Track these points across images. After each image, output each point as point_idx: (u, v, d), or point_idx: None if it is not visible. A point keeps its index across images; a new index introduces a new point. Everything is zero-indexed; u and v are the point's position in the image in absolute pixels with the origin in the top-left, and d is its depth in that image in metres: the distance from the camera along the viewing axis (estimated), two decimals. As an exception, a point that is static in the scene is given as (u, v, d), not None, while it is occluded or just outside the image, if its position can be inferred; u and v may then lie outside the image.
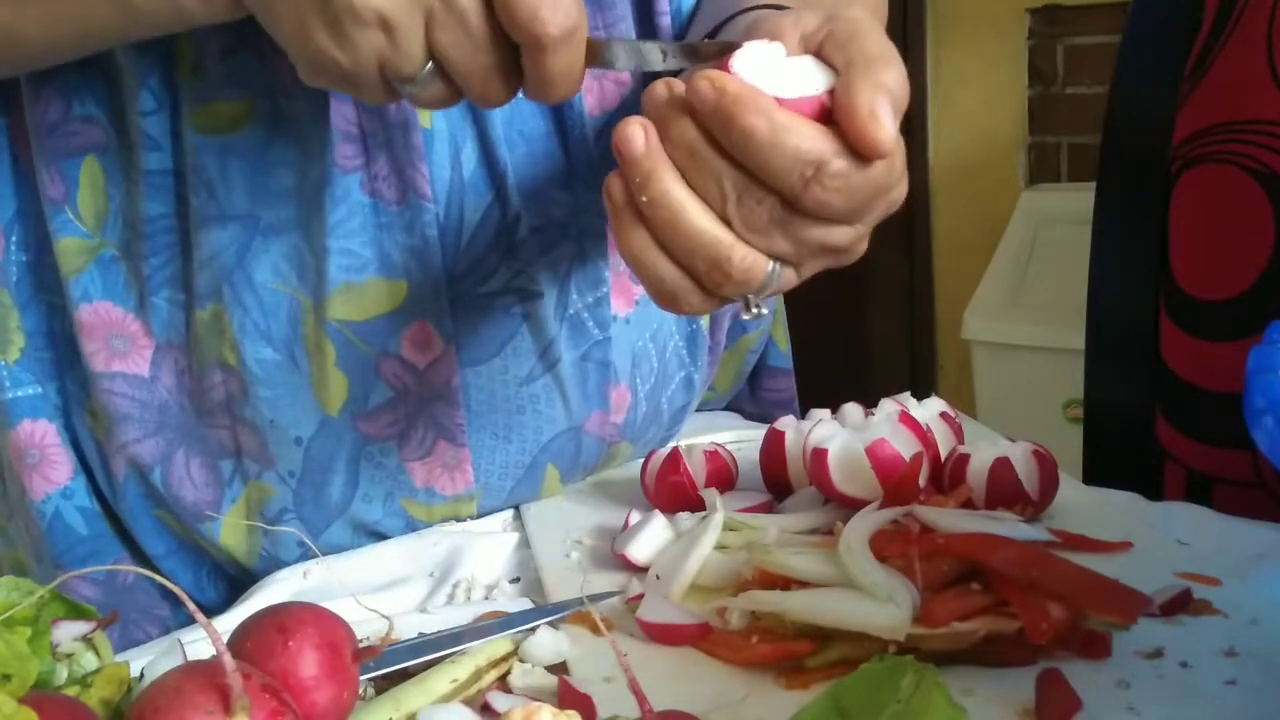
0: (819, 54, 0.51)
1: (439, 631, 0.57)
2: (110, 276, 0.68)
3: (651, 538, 0.63)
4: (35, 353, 0.71)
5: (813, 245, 0.50)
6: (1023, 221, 2.37)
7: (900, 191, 0.52)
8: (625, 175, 0.50)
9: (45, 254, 0.69)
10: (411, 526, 0.72)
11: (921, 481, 0.63)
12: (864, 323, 2.88)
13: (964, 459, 0.65)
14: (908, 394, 0.74)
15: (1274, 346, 0.51)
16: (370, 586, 0.65)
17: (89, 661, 0.47)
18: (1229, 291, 0.86)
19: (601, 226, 0.71)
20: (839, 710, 0.41)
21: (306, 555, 0.70)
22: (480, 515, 0.73)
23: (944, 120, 2.73)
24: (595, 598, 0.59)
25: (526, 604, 0.61)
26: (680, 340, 0.78)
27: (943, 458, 0.67)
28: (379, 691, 0.51)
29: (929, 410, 0.71)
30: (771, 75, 0.49)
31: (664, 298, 0.52)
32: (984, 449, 0.65)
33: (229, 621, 0.54)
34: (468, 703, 0.50)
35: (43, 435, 0.71)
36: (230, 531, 0.70)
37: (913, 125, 2.72)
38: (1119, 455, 0.96)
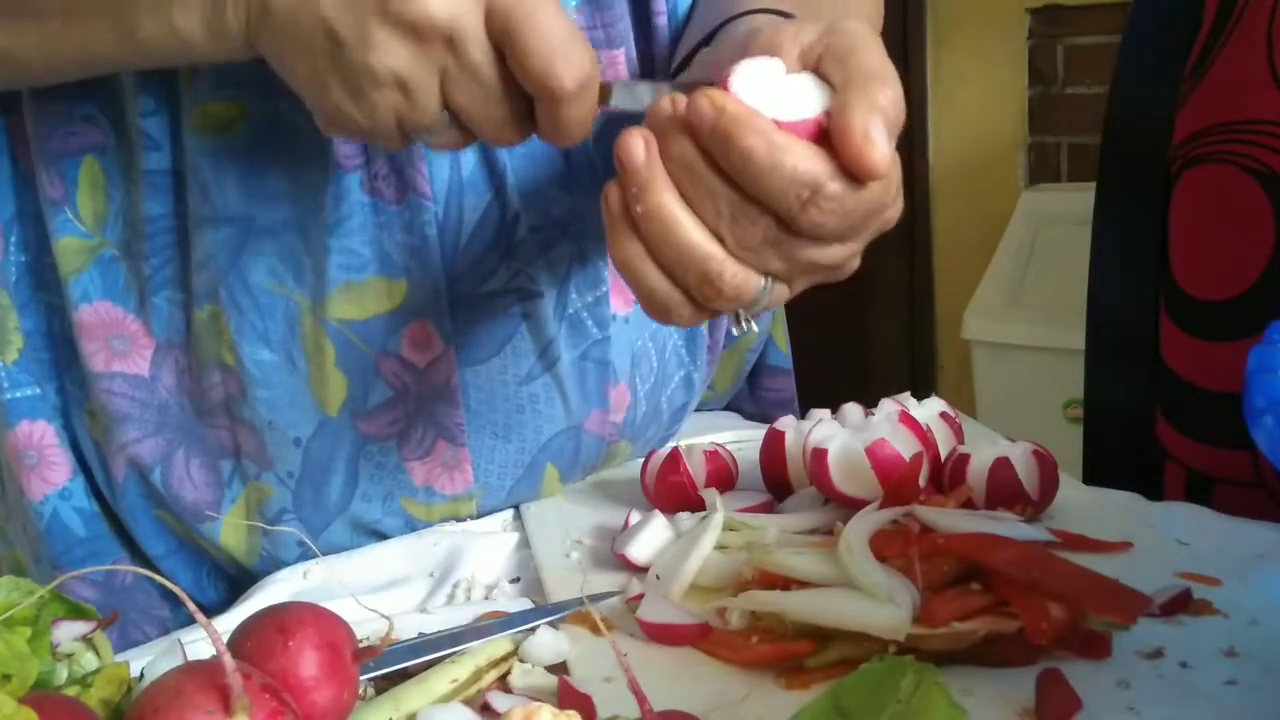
0: (817, 69, 0.51)
1: (439, 631, 0.57)
2: (110, 277, 0.68)
3: (651, 538, 0.63)
4: (34, 353, 0.71)
5: (805, 263, 0.51)
6: (1023, 221, 2.37)
7: (895, 210, 0.52)
8: (622, 184, 0.50)
9: (44, 254, 0.69)
10: (411, 526, 0.72)
11: (921, 481, 0.63)
12: (864, 322, 2.88)
13: (964, 459, 0.65)
14: (908, 394, 0.74)
15: (1274, 346, 0.51)
16: (370, 586, 0.65)
17: (89, 661, 0.47)
18: (1229, 291, 0.86)
19: (600, 227, 0.71)
20: (839, 710, 0.41)
21: (306, 555, 0.70)
22: (480, 515, 0.73)
23: (944, 120, 2.73)
24: (595, 598, 0.59)
25: (526, 604, 0.61)
26: (679, 339, 0.79)
27: (943, 458, 0.67)
28: (379, 691, 0.51)
29: (929, 410, 0.71)
30: (770, 94, 0.49)
31: (654, 308, 0.52)
32: (984, 449, 0.66)
33: (229, 621, 0.54)
34: (468, 703, 0.50)
35: (41, 436, 0.71)
36: (230, 531, 0.70)
37: (913, 125, 2.71)
38: (1119, 455, 0.96)
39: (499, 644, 0.55)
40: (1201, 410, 0.88)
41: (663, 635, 0.56)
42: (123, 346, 0.68)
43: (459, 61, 0.51)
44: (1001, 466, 0.64)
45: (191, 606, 0.41)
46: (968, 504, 0.63)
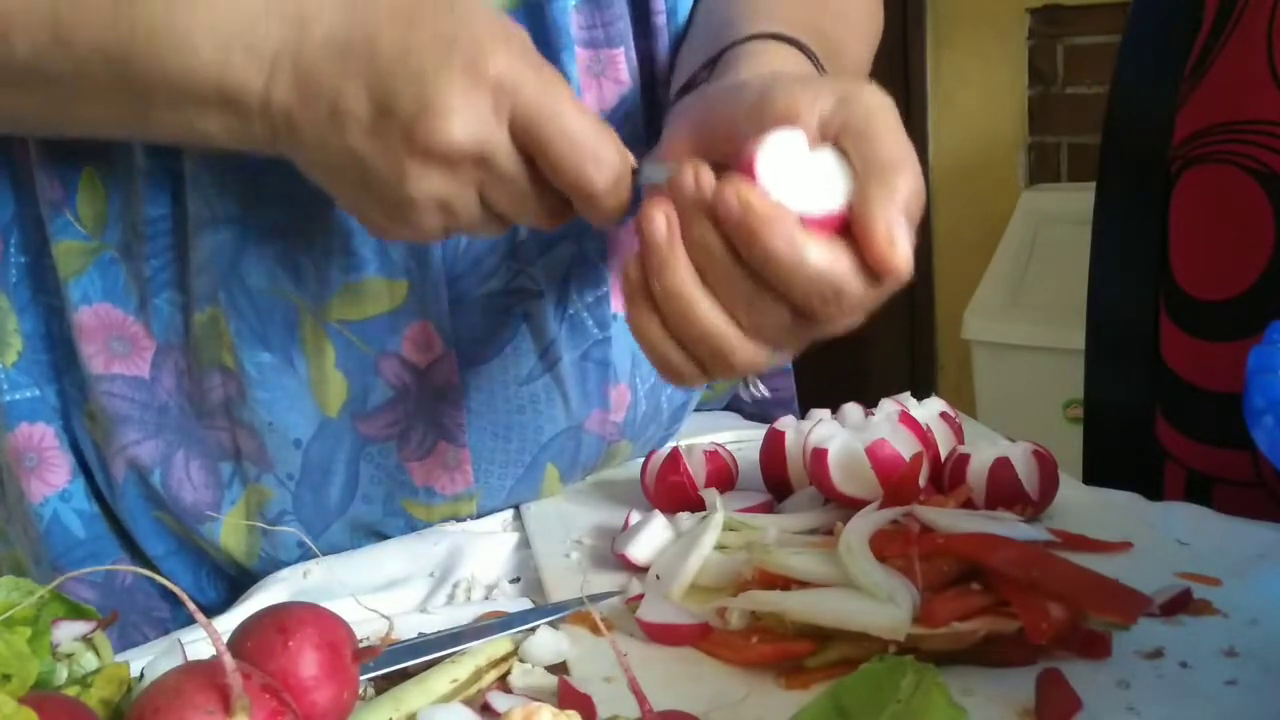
0: (837, 142, 0.51)
1: (439, 631, 0.57)
2: (110, 278, 0.68)
3: (651, 538, 0.63)
4: (33, 355, 0.71)
5: (814, 339, 0.53)
6: (1023, 221, 2.37)
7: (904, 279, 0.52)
8: (643, 256, 0.51)
9: (44, 256, 0.69)
10: (411, 526, 0.72)
11: (921, 481, 0.63)
12: (864, 322, 2.87)
13: (964, 459, 0.65)
14: (908, 394, 0.74)
15: (1274, 346, 0.51)
16: (370, 586, 0.65)
17: (89, 661, 0.47)
18: (1229, 291, 0.86)
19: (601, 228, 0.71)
20: (839, 710, 0.41)
21: (306, 556, 0.70)
22: (480, 514, 0.73)
23: (944, 120, 2.73)
24: (595, 598, 0.59)
25: (526, 604, 0.61)
26: (680, 340, 0.78)
27: (943, 458, 0.67)
28: (379, 691, 0.52)
29: (929, 410, 0.71)
30: (794, 175, 0.49)
31: (668, 374, 0.54)
32: (984, 449, 0.66)
33: (229, 621, 0.54)
34: (468, 703, 0.50)
35: (41, 438, 0.71)
36: (230, 532, 0.70)
37: (912, 126, 2.72)
38: (1119, 455, 0.96)
39: (499, 644, 0.55)
40: (1201, 410, 0.88)
41: (663, 635, 0.56)
42: (123, 348, 0.68)
43: (492, 175, 0.52)
44: (1001, 466, 0.64)
45: (191, 606, 0.41)
46: (968, 504, 0.63)
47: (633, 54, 0.71)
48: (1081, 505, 0.68)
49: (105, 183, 0.67)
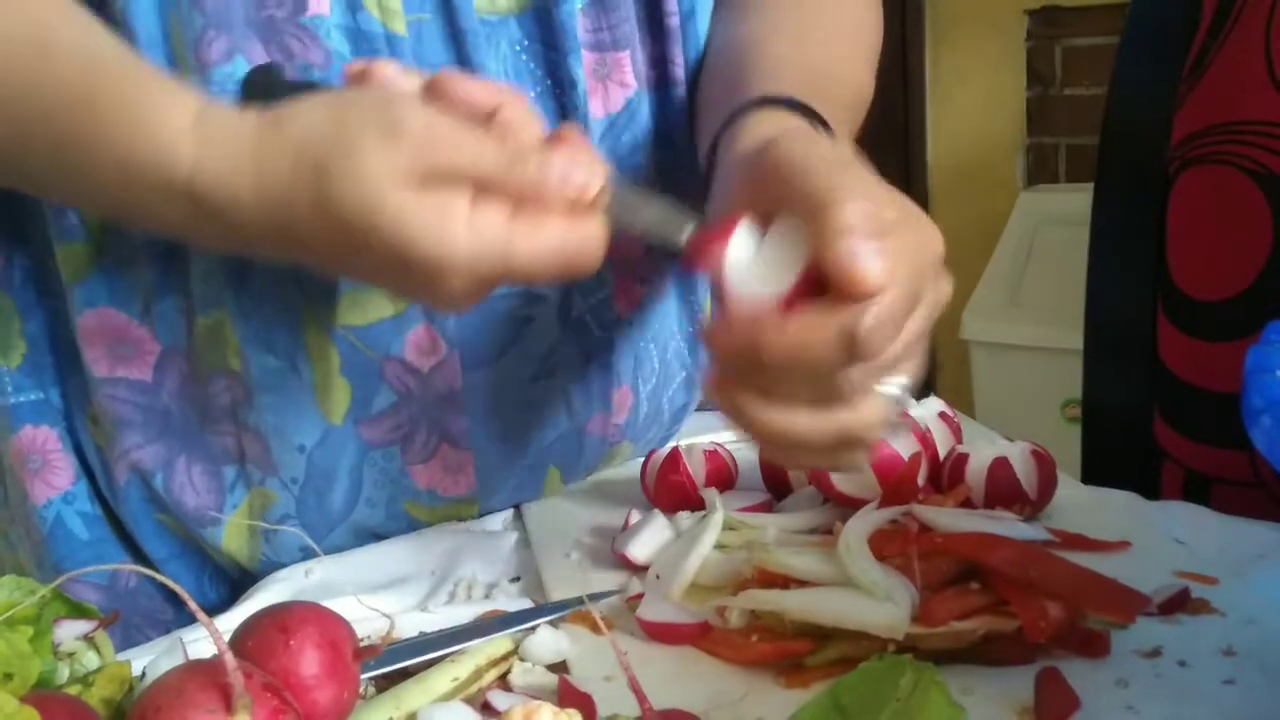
0: (784, 203, 0.50)
1: (439, 630, 0.57)
2: (114, 282, 0.67)
3: (651, 537, 0.63)
4: (37, 357, 0.71)
5: (895, 360, 0.50)
6: (1021, 222, 2.37)
7: (935, 237, 0.51)
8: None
9: (48, 259, 0.69)
10: (413, 528, 0.72)
11: (920, 481, 0.63)
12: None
13: (962, 458, 0.65)
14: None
15: (1272, 346, 0.51)
16: (371, 585, 0.65)
17: (90, 660, 0.48)
18: (1227, 292, 0.86)
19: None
20: (838, 709, 0.41)
21: (308, 559, 0.70)
22: (481, 515, 0.73)
23: (942, 121, 2.73)
24: (595, 597, 0.59)
25: (527, 603, 0.61)
26: (682, 341, 0.79)
27: (941, 457, 0.68)
28: (380, 690, 0.52)
29: (928, 410, 0.72)
30: (760, 262, 0.49)
31: (838, 465, 0.56)
32: (982, 449, 0.66)
33: (230, 620, 0.54)
34: (468, 701, 0.50)
35: (44, 440, 0.71)
36: (232, 536, 0.70)
37: (911, 126, 2.73)
38: (1117, 455, 0.96)
39: (499, 643, 0.55)
40: (1200, 410, 0.88)
41: (662, 634, 0.56)
42: (126, 352, 0.68)
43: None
44: (1000, 466, 0.64)
45: (193, 605, 0.41)
46: (966, 503, 0.63)
47: (639, 56, 0.71)
48: (1080, 505, 0.68)
49: None
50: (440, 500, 0.71)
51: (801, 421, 0.49)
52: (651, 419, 0.78)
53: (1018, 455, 0.65)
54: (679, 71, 0.72)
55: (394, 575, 0.67)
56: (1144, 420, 0.91)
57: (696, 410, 0.85)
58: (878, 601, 0.51)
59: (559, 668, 0.54)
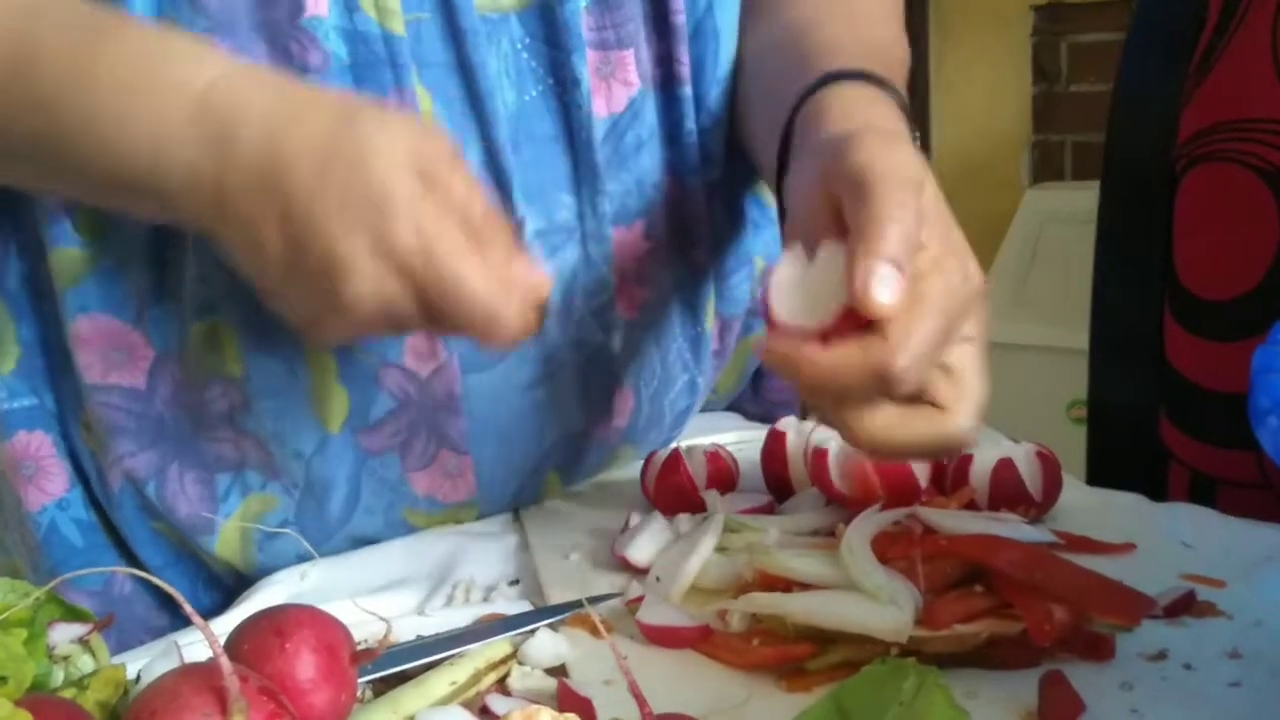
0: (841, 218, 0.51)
1: (437, 634, 0.57)
2: (108, 288, 0.67)
3: (651, 539, 0.63)
4: (31, 362, 0.70)
5: (940, 351, 0.52)
6: (1027, 220, 2.36)
7: (976, 274, 0.54)
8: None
9: (42, 264, 0.68)
10: (411, 534, 0.72)
11: (923, 483, 0.63)
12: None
13: (966, 460, 0.65)
14: (910, 394, 0.74)
15: (1278, 346, 0.51)
16: (368, 588, 0.65)
17: (85, 664, 0.47)
18: (1234, 291, 0.85)
19: (605, 230, 0.70)
20: (841, 713, 0.41)
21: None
22: (480, 519, 0.73)
23: (948, 118, 2.73)
24: (595, 600, 0.59)
25: (525, 606, 0.61)
26: (684, 343, 0.78)
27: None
28: (377, 694, 0.51)
29: (931, 410, 0.71)
30: (805, 293, 0.50)
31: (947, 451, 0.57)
32: (987, 450, 0.65)
33: (226, 624, 0.54)
34: (466, 705, 0.50)
35: (38, 446, 0.71)
36: (226, 543, 0.70)
37: (916, 124, 2.72)
38: (1123, 456, 0.95)
39: (498, 646, 0.54)
40: (1206, 411, 0.87)
41: (663, 637, 0.55)
42: (120, 359, 0.67)
43: (397, 322, 0.54)
44: (1004, 467, 0.64)
45: (188, 608, 0.41)
46: (970, 505, 0.63)
47: (644, 55, 0.70)
48: (1085, 506, 0.68)
49: None
50: (439, 506, 0.71)
51: (879, 421, 0.51)
52: (652, 422, 0.77)
53: (1022, 456, 0.65)
54: (684, 70, 0.72)
55: (391, 578, 0.66)
56: (1150, 421, 0.91)
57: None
58: (881, 604, 0.51)
59: (558, 671, 0.54)
